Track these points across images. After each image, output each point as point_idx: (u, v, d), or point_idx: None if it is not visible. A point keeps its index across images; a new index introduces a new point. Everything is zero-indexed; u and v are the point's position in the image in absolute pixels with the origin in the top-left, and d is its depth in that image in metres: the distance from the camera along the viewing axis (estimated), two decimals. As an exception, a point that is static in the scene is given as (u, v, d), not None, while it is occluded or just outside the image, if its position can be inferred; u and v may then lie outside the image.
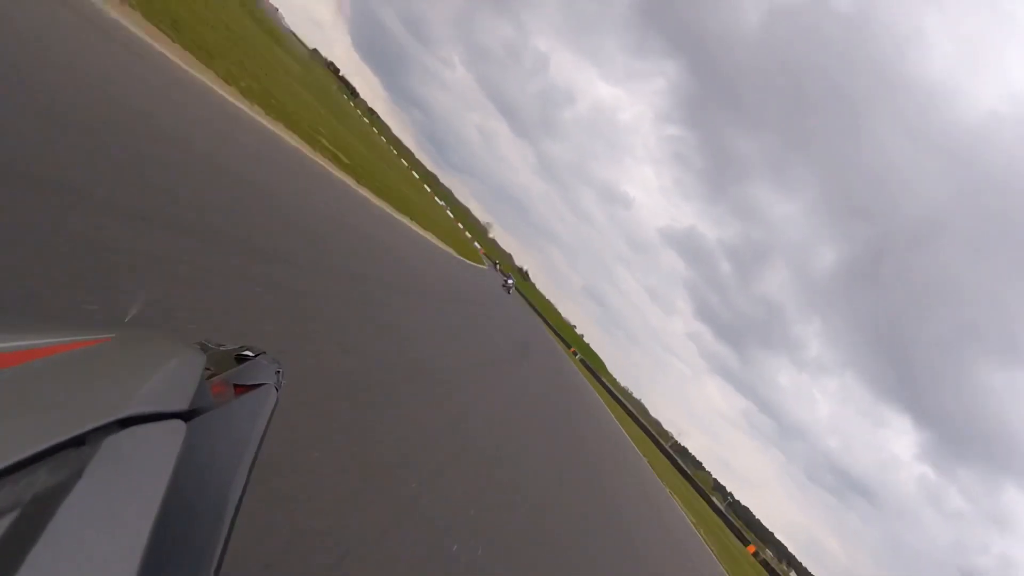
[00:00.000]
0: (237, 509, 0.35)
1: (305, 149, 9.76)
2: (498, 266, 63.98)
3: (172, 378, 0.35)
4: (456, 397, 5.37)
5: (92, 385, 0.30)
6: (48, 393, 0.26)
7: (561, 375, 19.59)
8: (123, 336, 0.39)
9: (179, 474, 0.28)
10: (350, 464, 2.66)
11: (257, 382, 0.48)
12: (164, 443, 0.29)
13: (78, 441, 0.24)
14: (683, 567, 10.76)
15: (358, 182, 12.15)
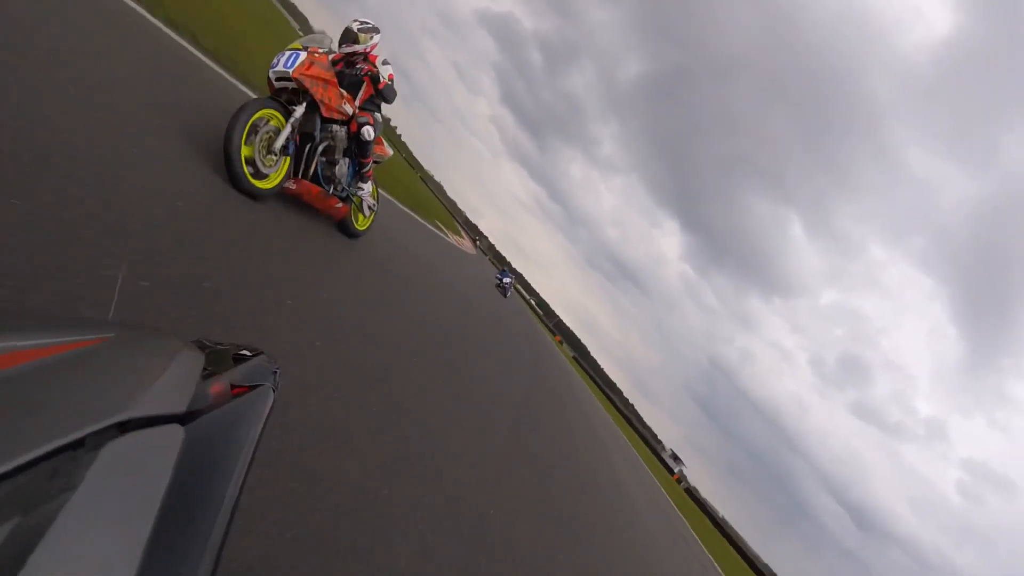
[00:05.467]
0: (234, 511, 0.34)
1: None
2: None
3: (170, 379, 0.35)
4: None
5: (91, 386, 0.29)
6: (46, 394, 0.26)
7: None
8: (122, 335, 0.38)
9: (177, 479, 0.28)
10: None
11: (254, 383, 0.47)
12: (162, 448, 0.29)
13: (77, 444, 0.24)
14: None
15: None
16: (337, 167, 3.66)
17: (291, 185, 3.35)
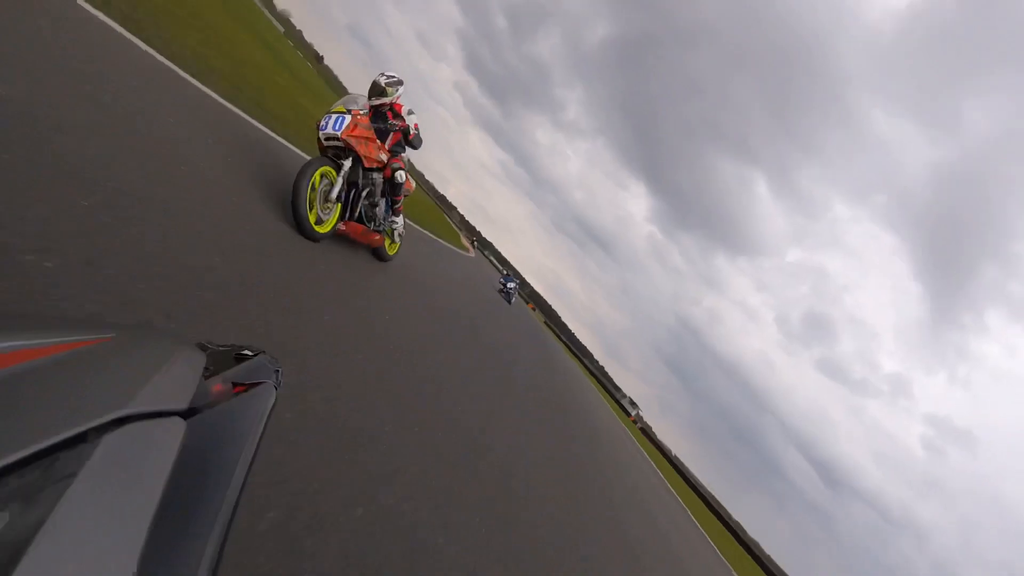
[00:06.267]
0: (235, 507, 0.33)
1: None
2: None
3: (172, 377, 0.34)
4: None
5: (91, 384, 0.29)
6: (48, 392, 0.26)
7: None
8: (123, 335, 0.38)
9: (178, 472, 0.28)
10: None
11: (256, 381, 0.46)
12: (163, 441, 0.29)
13: (78, 439, 0.23)
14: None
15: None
16: (377, 208, 4.25)
17: (342, 227, 3.94)
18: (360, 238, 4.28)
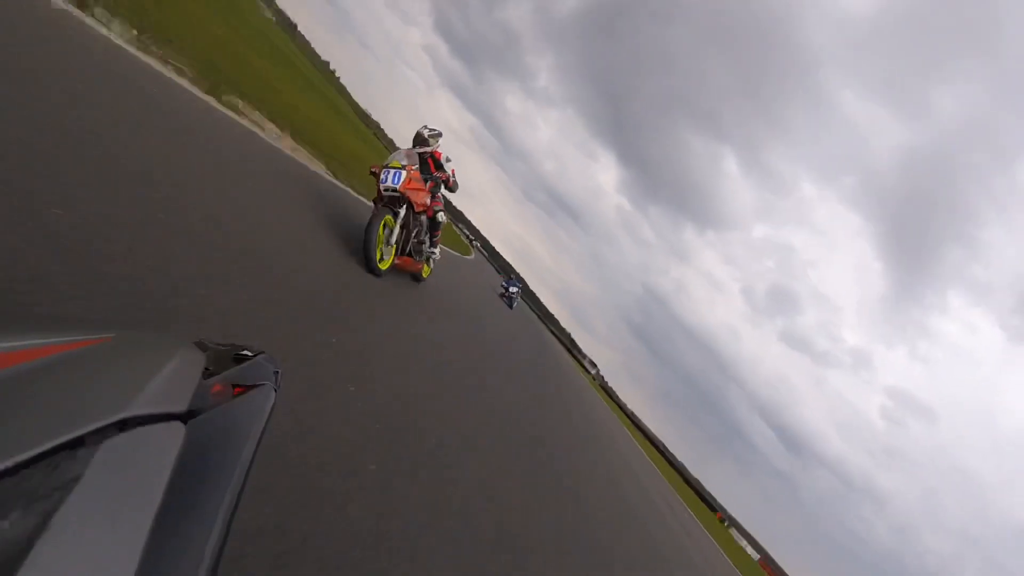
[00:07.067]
0: (235, 509, 0.33)
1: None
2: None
3: (171, 378, 0.33)
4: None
5: (91, 386, 0.29)
6: (47, 394, 0.25)
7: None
8: (122, 336, 0.37)
9: (177, 476, 0.27)
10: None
11: (256, 382, 0.45)
12: (163, 445, 0.28)
13: (77, 442, 0.23)
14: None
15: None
16: (424, 245, 5.00)
17: (397, 262, 4.69)
18: (408, 268, 5.04)
